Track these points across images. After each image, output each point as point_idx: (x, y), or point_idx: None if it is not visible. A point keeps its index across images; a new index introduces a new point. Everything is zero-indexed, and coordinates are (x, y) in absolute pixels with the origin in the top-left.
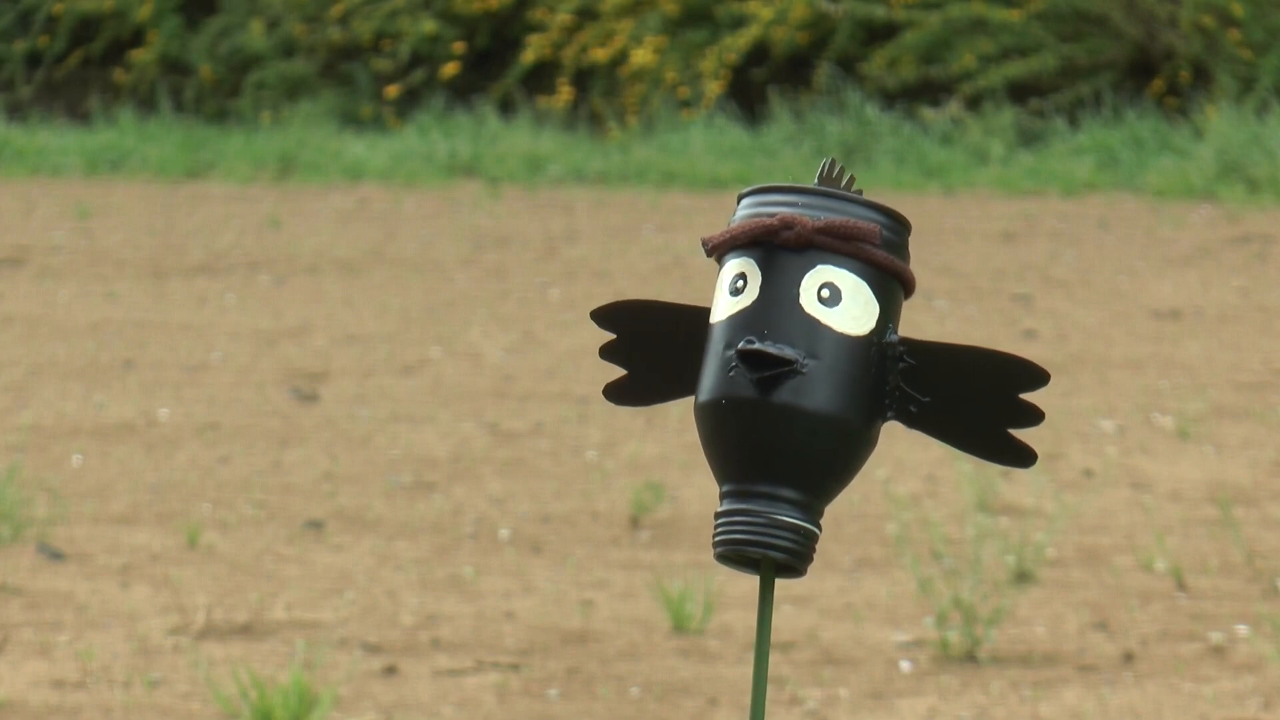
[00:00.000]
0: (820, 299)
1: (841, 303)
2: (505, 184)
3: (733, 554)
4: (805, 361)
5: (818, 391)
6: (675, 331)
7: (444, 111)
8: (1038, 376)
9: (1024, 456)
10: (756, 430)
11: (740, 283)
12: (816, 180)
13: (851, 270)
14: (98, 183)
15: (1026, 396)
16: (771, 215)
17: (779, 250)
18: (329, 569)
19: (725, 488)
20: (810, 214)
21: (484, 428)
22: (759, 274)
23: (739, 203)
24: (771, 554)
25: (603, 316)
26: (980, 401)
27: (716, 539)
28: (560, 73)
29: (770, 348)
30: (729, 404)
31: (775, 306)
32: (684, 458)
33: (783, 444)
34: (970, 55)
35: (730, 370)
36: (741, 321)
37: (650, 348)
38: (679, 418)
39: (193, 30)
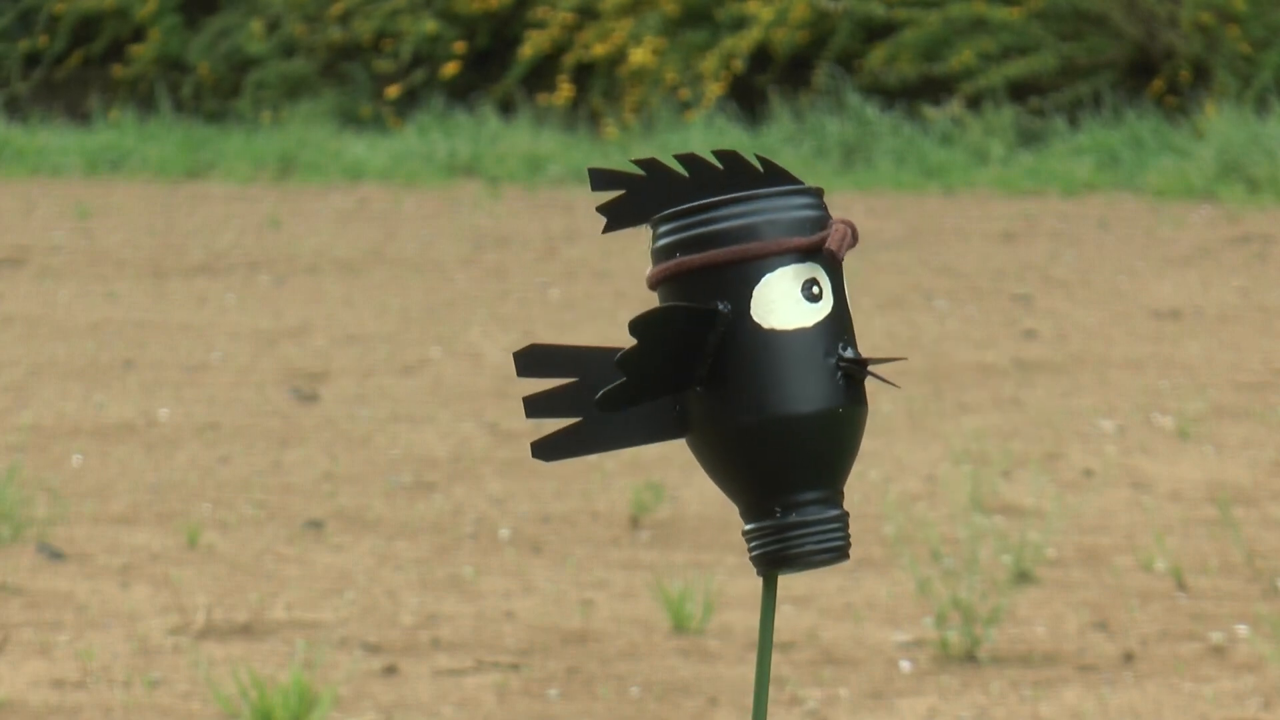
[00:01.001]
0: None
1: None
2: (505, 184)
3: (823, 560)
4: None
5: (865, 391)
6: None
7: (444, 111)
8: None
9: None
10: (850, 435)
11: (815, 288)
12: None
13: None
14: (98, 183)
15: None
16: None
17: (823, 256)
18: (329, 569)
19: (809, 495)
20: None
21: (484, 428)
22: (827, 279)
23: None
24: (848, 550)
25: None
26: None
27: (822, 546)
28: (560, 69)
29: (861, 355)
30: (844, 413)
31: (844, 312)
32: (684, 458)
33: (858, 444)
34: (970, 51)
35: (838, 378)
36: (828, 329)
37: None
38: None
39: (192, 29)
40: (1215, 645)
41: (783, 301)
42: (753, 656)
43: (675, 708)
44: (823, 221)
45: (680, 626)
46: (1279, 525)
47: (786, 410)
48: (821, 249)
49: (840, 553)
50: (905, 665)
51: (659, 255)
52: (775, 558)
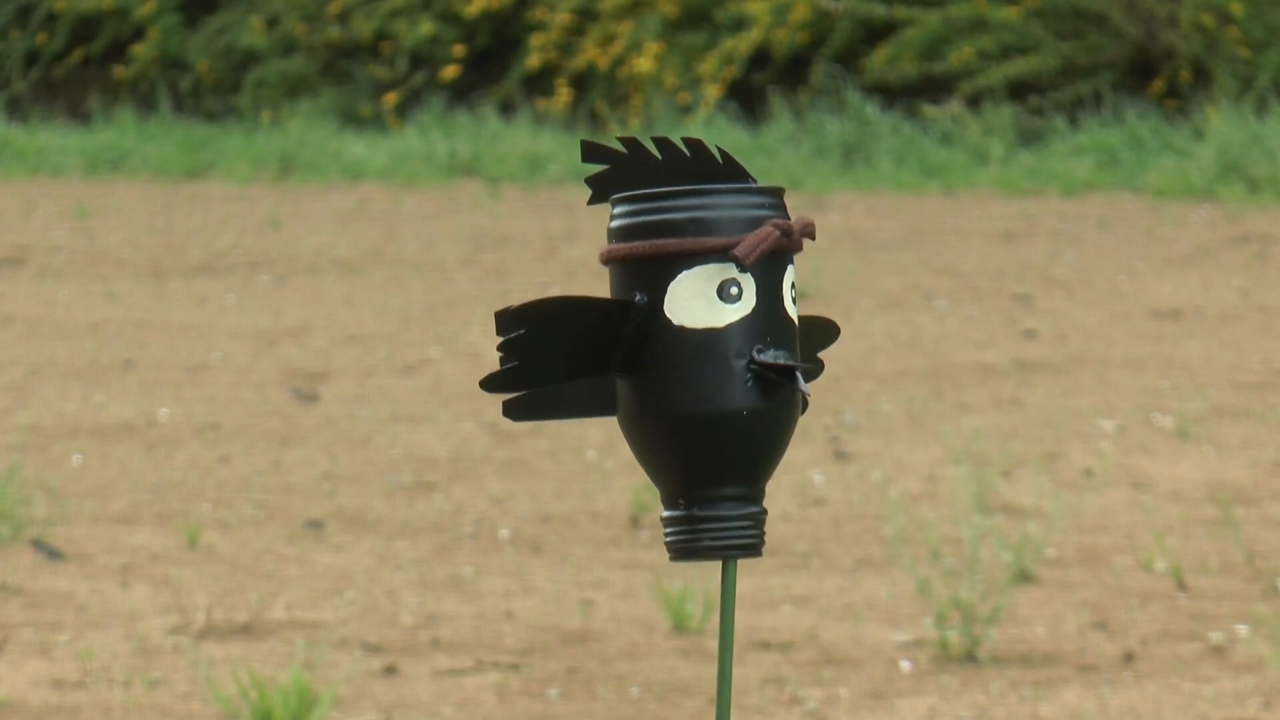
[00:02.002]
0: (792, 300)
1: (796, 299)
2: (505, 184)
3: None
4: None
5: (796, 393)
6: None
7: (444, 111)
8: (833, 332)
9: (802, 408)
10: (765, 436)
11: (734, 289)
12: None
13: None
14: (98, 183)
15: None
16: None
17: (740, 261)
18: (329, 569)
19: (718, 491)
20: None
21: (484, 428)
22: (751, 280)
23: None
24: (759, 548)
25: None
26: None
27: (726, 543)
28: (560, 74)
29: (782, 359)
30: (752, 414)
31: (771, 313)
32: None
33: (779, 445)
34: (970, 49)
35: (746, 380)
36: (745, 330)
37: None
38: None
39: (192, 28)
40: (1215, 645)
41: (696, 300)
42: (753, 656)
43: (675, 708)
44: (760, 221)
45: (680, 626)
46: (1279, 525)
47: (689, 408)
48: (728, 252)
49: (747, 550)
50: (905, 665)
51: (608, 237)
52: (682, 549)
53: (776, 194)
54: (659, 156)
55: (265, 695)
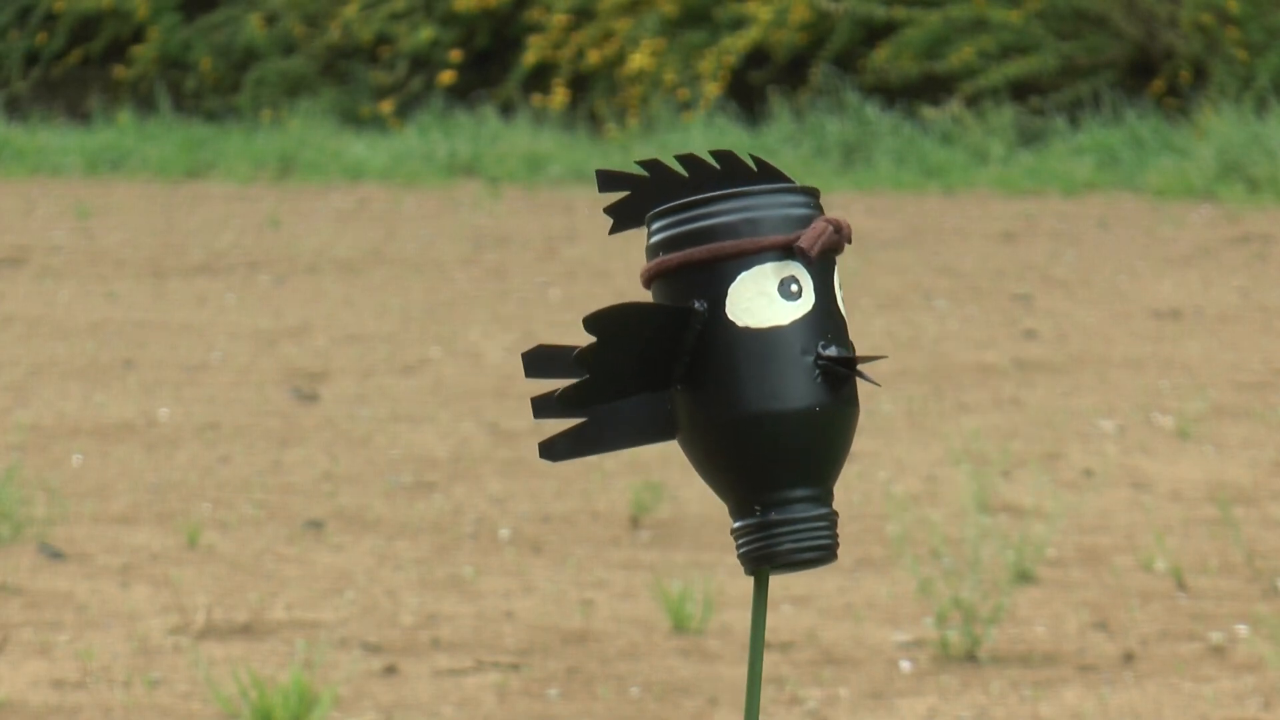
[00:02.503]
0: (841, 299)
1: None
2: (505, 184)
3: (813, 560)
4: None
5: (856, 389)
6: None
7: (444, 111)
8: None
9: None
10: (834, 433)
11: (794, 286)
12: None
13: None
14: (98, 183)
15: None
16: (813, 217)
17: (807, 254)
18: (329, 569)
19: (791, 493)
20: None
21: (484, 428)
22: (808, 277)
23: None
24: (835, 551)
25: (594, 323)
26: None
27: (803, 544)
28: (558, 73)
29: (847, 354)
30: (823, 411)
31: (828, 309)
32: (684, 458)
33: (846, 443)
34: (970, 49)
35: (815, 376)
36: (807, 326)
37: (624, 351)
38: None
39: (192, 28)
40: (1215, 645)
41: (758, 299)
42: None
43: (675, 708)
44: (808, 220)
45: (680, 626)
46: (1279, 525)
47: (760, 408)
48: (792, 247)
49: (826, 551)
50: (905, 665)
51: (648, 253)
52: (758, 556)
53: (815, 194)
54: (685, 174)
55: (265, 695)
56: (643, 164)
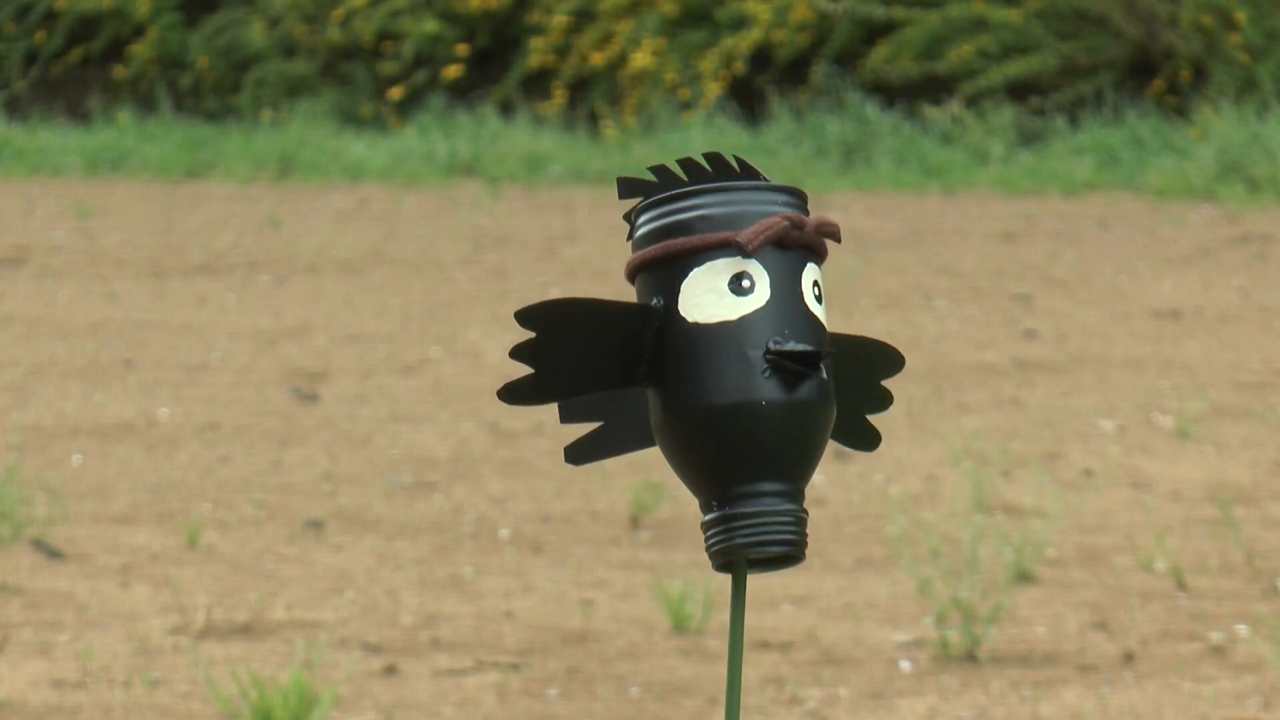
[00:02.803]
0: (814, 296)
1: (822, 299)
2: (505, 184)
3: (774, 555)
4: (825, 359)
5: (826, 386)
6: (600, 330)
7: (444, 111)
8: (898, 362)
9: (873, 440)
10: (789, 428)
11: (746, 281)
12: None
13: (819, 266)
14: (98, 183)
15: (885, 382)
16: (759, 214)
17: (773, 250)
18: (329, 569)
19: (754, 487)
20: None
21: (484, 428)
22: (764, 273)
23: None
24: (802, 550)
25: (527, 317)
26: (848, 387)
27: (759, 539)
28: (558, 76)
29: (806, 347)
30: (770, 406)
31: (788, 307)
32: None
33: (806, 440)
34: (970, 49)
35: (764, 371)
36: (760, 322)
37: (568, 347)
38: None
39: (192, 28)
40: (1215, 645)
41: (707, 295)
42: (753, 656)
43: (675, 708)
44: (769, 216)
45: (680, 626)
46: (1279, 525)
47: (707, 402)
48: (731, 243)
49: (787, 547)
50: (905, 665)
51: (632, 250)
52: (717, 550)
53: (794, 194)
54: (684, 176)
55: (265, 695)
56: (654, 169)
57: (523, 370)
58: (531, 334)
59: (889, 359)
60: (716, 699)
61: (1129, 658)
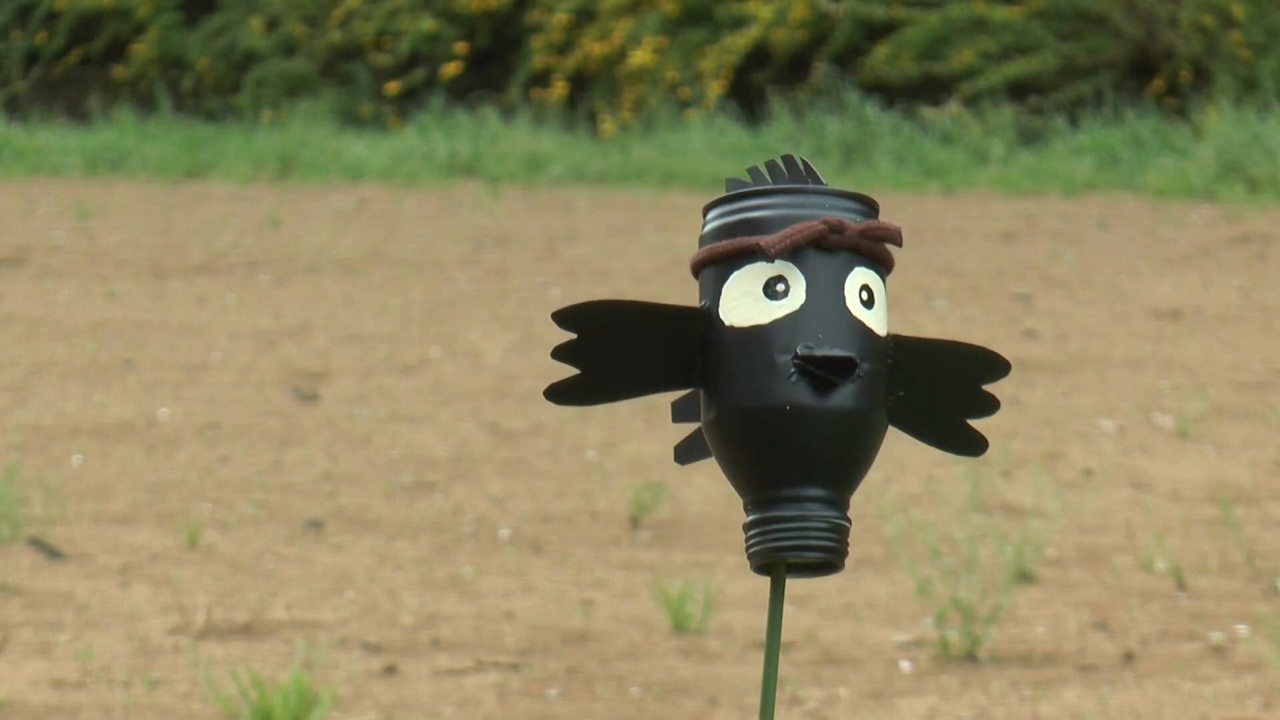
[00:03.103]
0: (861, 301)
1: (875, 304)
2: (505, 184)
3: (810, 560)
4: (863, 365)
5: (867, 394)
6: (646, 332)
7: (444, 111)
8: (1000, 367)
9: (978, 445)
10: (819, 433)
11: (780, 285)
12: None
13: (877, 271)
14: (98, 183)
15: (987, 387)
16: (813, 218)
17: (815, 253)
18: (329, 569)
19: (789, 491)
20: (823, 214)
21: (484, 428)
22: (801, 277)
23: (710, 210)
24: (841, 558)
25: (565, 319)
26: (944, 393)
27: (793, 543)
28: (558, 74)
29: (837, 352)
30: (795, 410)
31: (825, 312)
32: None
33: (843, 447)
34: (970, 49)
35: (790, 375)
36: (791, 326)
37: (613, 348)
38: None
39: (192, 27)
40: (1215, 645)
41: (743, 299)
42: (753, 656)
43: (675, 708)
44: (832, 223)
45: (680, 626)
46: (1279, 525)
47: (735, 405)
48: (756, 248)
49: (823, 554)
50: (905, 665)
51: None
52: (753, 552)
53: (854, 198)
54: (769, 178)
55: (265, 695)
56: (750, 170)
57: (567, 370)
58: (572, 335)
59: (990, 364)
60: (717, 699)
61: (1129, 658)
